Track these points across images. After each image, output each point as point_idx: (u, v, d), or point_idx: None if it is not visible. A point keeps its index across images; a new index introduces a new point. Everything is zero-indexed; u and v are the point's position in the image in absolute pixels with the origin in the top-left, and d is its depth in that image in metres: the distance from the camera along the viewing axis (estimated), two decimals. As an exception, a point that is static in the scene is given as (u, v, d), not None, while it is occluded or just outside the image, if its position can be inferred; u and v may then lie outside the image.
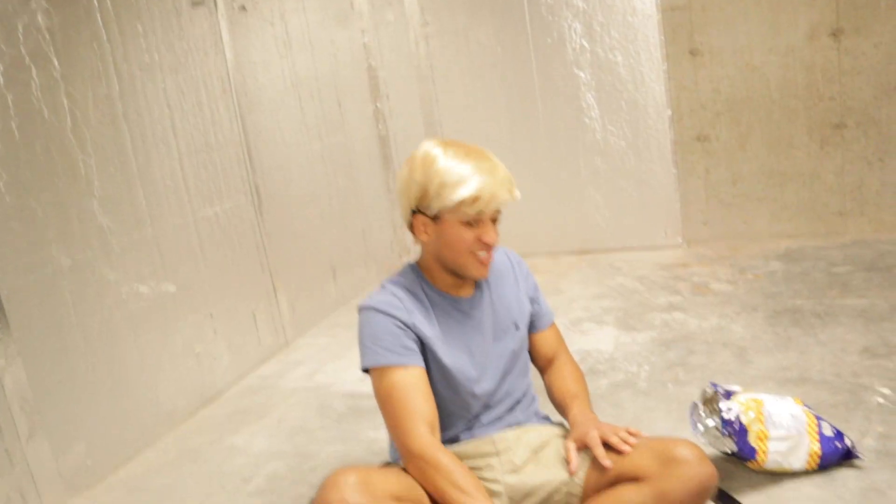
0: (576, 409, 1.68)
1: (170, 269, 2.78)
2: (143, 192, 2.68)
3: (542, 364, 1.82)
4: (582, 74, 4.08)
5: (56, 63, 2.35)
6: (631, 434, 1.53)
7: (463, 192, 1.51)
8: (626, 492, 1.46)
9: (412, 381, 1.54)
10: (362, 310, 1.62)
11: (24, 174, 2.24)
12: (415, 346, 1.58)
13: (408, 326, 1.58)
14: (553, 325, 1.84)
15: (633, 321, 3.13)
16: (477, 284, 1.70)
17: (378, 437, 2.34)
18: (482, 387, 1.65)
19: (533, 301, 1.79)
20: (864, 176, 3.80)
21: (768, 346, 2.67)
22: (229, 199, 3.13)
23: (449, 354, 1.61)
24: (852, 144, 3.77)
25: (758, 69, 3.82)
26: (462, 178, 1.52)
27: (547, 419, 1.78)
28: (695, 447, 1.46)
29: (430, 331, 1.60)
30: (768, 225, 4.02)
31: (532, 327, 1.80)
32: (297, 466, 2.32)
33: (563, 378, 1.77)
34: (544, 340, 1.80)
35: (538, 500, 1.59)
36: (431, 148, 1.58)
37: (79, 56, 2.44)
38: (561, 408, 1.74)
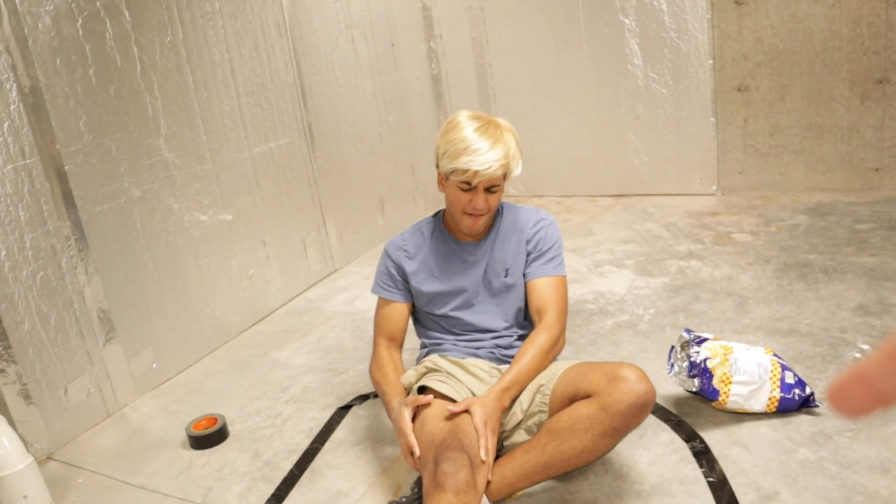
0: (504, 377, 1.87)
1: (227, 199, 3.10)
2: (203, 131, 2.98)
3: (532, 317, 2.01)
4: (627, 21, 4.17)
5: (127, 15, 2.64)
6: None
7: (455, 163, 1.86)
8: (579, 405, 1.73)
9: (389, 310, 2.09)
10: (385, 246, 2.09)
11: (100, 116, 2.55)
12: (400, 285, 2.05)
13: (400, 268, 2.06)
14: (551, 281, 1.99)
15: (650, 266, 3.33)
16: (486, 236, 2.05)
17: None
18: (464, 314, 2.02)
19: (532, 255, 2.02)
20: (904, 133, 3.83)
21: (769, 297, 2.85)
22: (284, 136, 3.42)
23: (433, 284, 2.03)
24: (894, 100, 3.79)
25: (802, 20, 3.84)
26: (459, 151, 1.84)
27: None
28: (637, 369, 1.71)
29: (420, 266, 2.05)
30: (803, 177, 4.10)
31: (526, 275, 2.04)
32: (328, 380, 2.66)
33: (527, 343, 1.92)
34: (533, 288, 2.00)
35: (514, 427, 1.89)
36: (458, 117, 1.92)
37: (146, 7, 2.72)
38: None
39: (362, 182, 4.01)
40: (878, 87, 3.80)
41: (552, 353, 1.92)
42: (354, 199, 3.96)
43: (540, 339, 1.91)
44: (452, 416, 1.76)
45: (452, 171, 1.87)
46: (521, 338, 2.05)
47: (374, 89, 4.06)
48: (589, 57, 4.35)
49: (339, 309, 3.31)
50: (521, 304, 2.06)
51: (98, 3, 2.53)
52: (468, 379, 1.95)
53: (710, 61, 4.07)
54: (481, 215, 1.93)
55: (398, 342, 2.10)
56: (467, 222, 1.95)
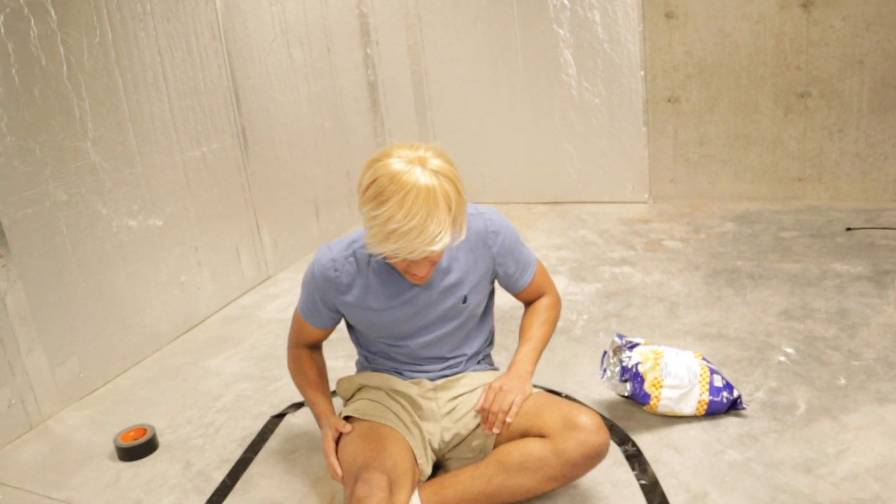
0: (516, 356, 1.88)
1: (157, 204, 3.03)
2: (133, 134, 2.90)
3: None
4: (561, 31, 4.24)
5: (53, 13, 2.55)
6: (506, 417, 1.74)
7: (382, 248, 1.56)
8: (532, 444, 1.70)
9: (310, 329, 1.93)
10: (314, 258, 1.85)
11: (23, 117, 2.46)
12: (326, 316, 1.89)
13: (329, 302, 1.85)
14: (534, 278, 1.94)
15: (584, 273, 3.38)
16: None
17: (335, 365, 2.62)
18: (409, 347, 1.87)
19: (501, 270, 1.88)
20: (824, 144, 3.98)
21: (698, 303, 2.93)
22: (216, 141, 3.36)
23: (372, 318, 1.82)
24: (815, 113, 3.94)
25: (729, 35, 3.96)
26: (384, 235, 1.53)
27: (491, 367, 2.02)
28: (595, 417, 1.69)
29: (355, 301, 1.81)
30: (731, 186, 4.24)
31: (507, 289, 1.95)
32: (261, 388, 2.62)
33: (527, 318, 1.96)
34: (523, 298, 1.98)
35: (456, 445, 1.87)
36: (379, 172, 1.54)
37: (74, 6, 2.64)
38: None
39: (297, 188, 3.97)
40: (801, 100, 3.95)
41: (558, 317, 1.98)
42: (289, 205, 3.91)
43: (545, 306, 1.94)
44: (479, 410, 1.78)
45: (379, 253, 1.59)
46: (476, 357, 1.98)
47: (310, 94, 4.03)
48: (524, 66, 4.41)
49: (272, 316, 3.26)
50: (480, 325, 1.95)
51: (22, 0, 2.44)
52: (396, 408, 1.86)
53: (642, 72, 4.17)
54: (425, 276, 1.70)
55: (317, 346, 2.02)
56: (411, 278, 1.72)
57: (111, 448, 2.28)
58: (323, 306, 1.86)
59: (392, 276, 1.78)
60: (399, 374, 1.92)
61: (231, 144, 3.45)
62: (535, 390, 1.84)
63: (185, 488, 2.06)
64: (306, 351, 1.98)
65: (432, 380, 1.91)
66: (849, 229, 3.57)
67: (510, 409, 1.74)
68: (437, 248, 1.53)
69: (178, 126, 3.13)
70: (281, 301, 3.43)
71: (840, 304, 2.77)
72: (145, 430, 2.29)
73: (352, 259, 1.81)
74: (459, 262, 1.81)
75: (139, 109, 2.93)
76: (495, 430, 1.75)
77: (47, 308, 2.56)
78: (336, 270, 1.81)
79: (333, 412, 1.89)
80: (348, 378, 2.00)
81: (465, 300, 1.84)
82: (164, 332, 3.08)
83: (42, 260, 2.54)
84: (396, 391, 1.89)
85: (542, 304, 1.97)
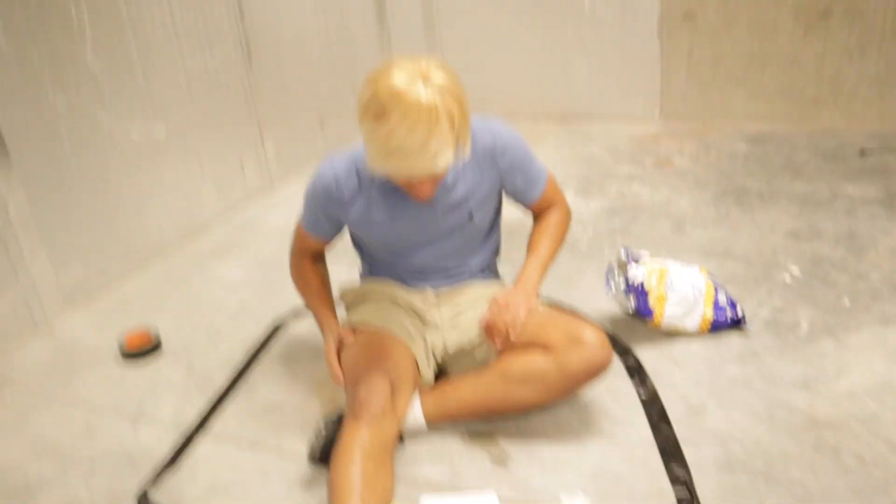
0: (522, 271, 1.84)
1: (159, 113, 2.97)
2: (133, 40, 2.82)
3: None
4: (577, -60, 4.09)
5: None
6: (509, 334, 1.70)
7: (383, 167, 1.51)
8: (535, 357, 1.69)
9: (313, 239, 1.90)
10: (316, 171, 1.80)
11: (18, 21, 2.37)
12: (327, 228, 1.86)
13: (331, 216, 1.81)
14: (544, 191, 1.88)
15: (591, 188, 3.34)
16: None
17: (338, 274, 2.62)
18: (412, 259, 1.86)
19: (509, 186, 1.83)
20: (843, 66, 3.88)
21: (706, 221, 2.90)
22: (219, 49, 3.27)
23: (375, 232, 1.80)
24: (836, 33, 3.82)
25: (752, -53, 3.82)
26: (384, 153, 1.48)
27: (496, 278, 2.01)
28: (599, 333, 1.67)
29: (358, 216, 1.78)
30: (745, 106, 4.15)
31: (518, 202, 1.90)
32: (265, 295, 2.62)
33: (536, 231, 1.91)
34: (533, 211, 1.93)
35: (459, 355, 1.86)
36: (380, 86, 1.45)
37: None
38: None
39: (301, 98, 3.89)
40: (822, 19, 3.82)
41: (567, 231, 1.93)
42: (293, 116, 3.85)
43: (555, 219, 1.90)
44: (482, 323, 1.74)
45: (380, 172, 1.56)
46: (480, 268, 1.96)
47: (316, 5, 3.90)
48: (538, -24, 4.27)
49: (276, 225, 3.25)
50: (487, 238, 1.93)
51: None
52: (400, 316, 1.86)
53: (659, -15, 4.03)
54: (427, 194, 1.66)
55: (321, 256, 2.01)
56: (414, 195, 1.67)
57: (116, 350, 2.30)
58: (325, 219, 1.84)
59: (396, 191, 1.74)
60: (403, 283, 1.91)
61: (234, 52, 3.36)
62: (541, 304, 1.83)
63: (189, 390, 2.09)
64: (309, 260, 1.97)
65: (436, 290, 1.90)
66: (862, 152, 3.51)
67: (515, 324, 1.73)
68: (438, 167, 1.48)
69: (180, 32, 3.04)
70: (284, 210, 3.40)
71: (849, 227, 2.74)
72: (149, 332, 2.31)
73: (354, 174, 1.76)
74: (465, 179, 1.75)
75: (139, 15, 2.84)
76: (499, 346, 1.75)
77: (50, 214, 2.54)
78: (338, 186, 1.76)
79: (336, 320, 1.89)
80: (351, 286, 2.00)
81: (470, 216, 1.80)
82: (168, 239, 3.07)
83: (43, 167, 2.51)
84: (400, 300, 1.88)
85: (552, 218, 1.93)
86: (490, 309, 1.76)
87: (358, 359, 1.72)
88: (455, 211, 1.77)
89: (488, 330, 1.75)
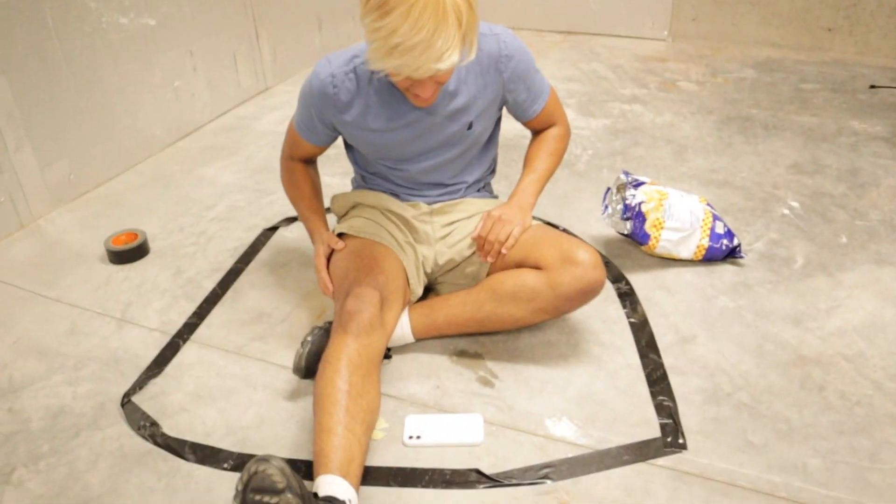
0: (518, 186, 1.81)
1: (150, 1, 2.84)
2: (124, -81, 2.68)
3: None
4: None
5: None
6: (502, 247, 1.70)
7: (384, 65, 1.42)
8: (527, 275, 1.67)
9: (305, 144, 1.84)
10: (313, 70, 1.72)
11: None
12: (321, 133, 1.78)
13: (326, 119, 1.73)
14: (545, 107, 1.82)
15: (593, 108, 3.26)
16: None
17: (331, 182, 2.57)
18: (408, 171, 1.79)
19: (511, 98, 1.76)
20: (862, -8, 3.75)
21: (708, 148, 2.84)
22: (215, -64, 3.12)
23: (371, 139, 1.72)
24: (857, -44, 3.69)
25: None
26: (387, 49, 1.38)
27: (490, 195, 1.96)
28: (593, 253, 1.64)
29: (354, 121, 1.70)
30: (756, 30, 4.03)
31: (516, 117, 1.85)
32: (255, 200, 2.57)
33: (534, 147, 1.87)
34: (532, 127, 1.88)
35: (449, 270, 1.84)
36: None
37: None
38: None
39: (300, -4, 3.74)
40: (845, -61, 3.67)
41: (565, 149, 1.90)
42: (290, 14, 3.70)
43: (553, 136, 1.86)
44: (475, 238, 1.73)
45: (382, 70, 1.45)
46: (476, 185, 1.91)
47: None
48: None
49: (269, 128, 3.17)
50: (484, 153, 1.86)
51: None
52: (391, 227, 1.82)
53: None
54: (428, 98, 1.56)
55: (313, 161, 1.95)
56: (413, 99, 1.58)
57: (102, 250, 2.27)
58: (319, 123, 1.77)
59: (395, 96, 1.66)
60: (395, 196, 1.87)
61: (230, -59, 3.20)
62: (535, 222, 1.80)
63: (176, 294, 2.06)
64: (301, 165, 1.91)
65: (429, 204, 1.86)
66: (873, 87, 3.43)
67: (507, 239, 1.70)
68: (443, 66, 1.40)
69: (173, -85, 2.89)
70: (278, 113, 3.32)
71: (852, 163, 2.70)
72: (136, 234, 2.27)
73: (352, 75, 1.67)
74: (468, 86, 1.68)
75: None
76: (490, 260, 1.72)
77: (35, 106, 2.45)
78: (335, 87, 1.68)
79: (327, 228, 1.85)
80: (343, 195, 1.94)
81: (470, 126, 1.72)
82: (158, 137, 3.00)
83: (27, 54, 2.40)
84: (391, 211, 1.84)
85: (551, 133, 1.88)
86: (483, 222, 1.73)
87: (348, 269, 1.68)
88: (455, 120, 1.71)
89: (480, 243, 1.72)
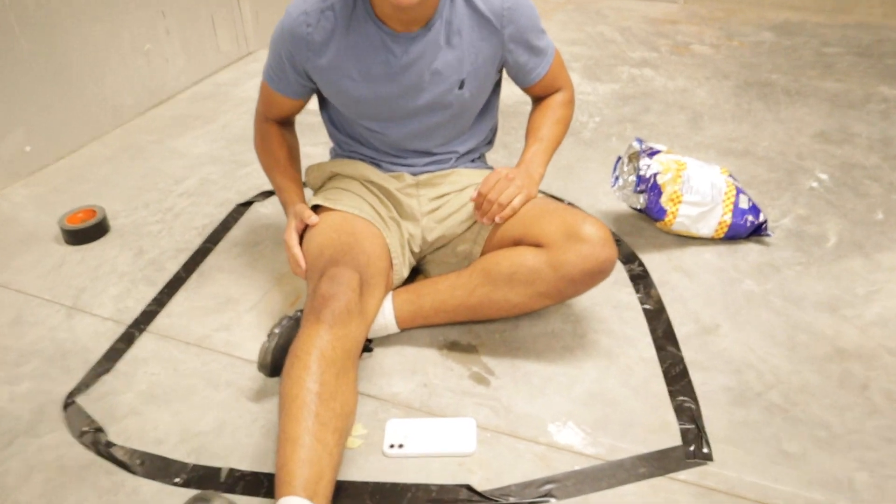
0: (524, 156, 1.61)
1: (116, -45, 2.60)
2: None
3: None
4: None
5: None
6: (504, 213, 1.49)
7: None
8: (526, 253, 1.45)
9: (277, 99, 1.62)
10: (285, 13, 1.50)
11: None
12: (293, 81, 1.56)
13: (297, 63, 1.52)
14: (549, 70, 1.62)
15: (600, 72, 3.03)
16: (429, 23, 1.45)
17: (312, 152, 2.34)
18: (390, 135, 1.59)
19: (510, 58, 1.56)
20: (888, -53, 3.50)
21: (725, 115, 2.61)
22: None
23: (348, 88, 1.51)
24: None
25: None
26: None
27: (485, 167, 1.74)
28: (602, 228, 1.42)
29: (330, 64, 1.49)
30: (773, -10, 3.78)
31: (517, 81, 1.65)
32: (230, 172, 2.35)
33: (538, 113, 1.67)
34: (533, 93, 1.68)
35: (438, 249, 1.63)
36: None
37: None
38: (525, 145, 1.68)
39: (285, -46, 3.48)
40: None
41: (571, 116, 1.70)
42: (275, -26, 3.46)
43: (557, 103, 1.66)
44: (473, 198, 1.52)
45: None
46: (469, 155, 1.68)
47: None
48: None
49: (249, 95, 2.93)
50: (480, 121, 1.65)
51: None
52: (373, 200, 1.61)
53: None
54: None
55: (289, 122, 1.73)
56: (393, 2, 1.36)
57: (57, 230, 2.05)
58: (292, 70, 1.54)
59: (377, 41, 1.45)
60: (377, 165, 1.64)
61: None
62: (539, 195, 1.57)
63: (135, 278, 1.85)
64: (276, 126, 1.69)
65: (415, 175, 1.63)
66: (901, 48, 3.19)
67: (509, 203, 1.48)
68: None
69: None
70: (259, 80, 3.07)
71: (884, 132, 2.47)
72: (94, 211, 2.05)
73: (329, 13, 1.45)
74: (461, 37, 1.47)
75: None
76: (487, 222, 1.50)
77: (-15, 66, 2.22)
78: (308, 25, 1.46)
79: (303, 199, 1.62)
80: (319, 165, 1.72)
81: (461, 85, 1.52)
82: (127, 106, 2.76)
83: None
84: (372, 182, 1.62)
85: (556, 99, 1.66)
86: (487, 179, 1.51)
87: (323, 247, 1.45)
88: (444, 77, 1.49)
89: (479, 201, 1.50)
